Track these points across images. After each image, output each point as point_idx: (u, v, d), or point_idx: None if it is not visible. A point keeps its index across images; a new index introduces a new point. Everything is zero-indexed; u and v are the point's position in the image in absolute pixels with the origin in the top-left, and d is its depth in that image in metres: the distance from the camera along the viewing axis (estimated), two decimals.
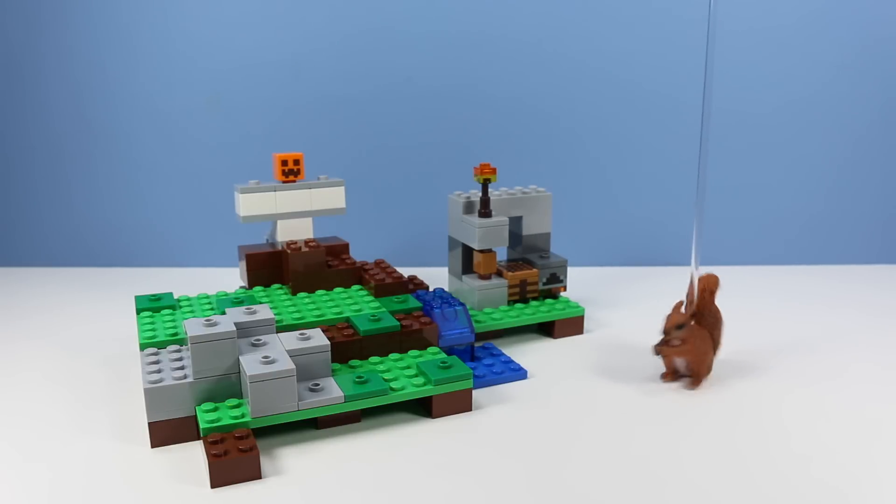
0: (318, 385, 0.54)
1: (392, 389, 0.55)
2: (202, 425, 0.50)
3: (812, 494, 0.46)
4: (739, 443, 0.52)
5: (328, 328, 0.62)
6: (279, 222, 0.74)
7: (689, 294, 0.62)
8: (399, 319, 0.62)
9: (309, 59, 0.92)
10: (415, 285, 0.76)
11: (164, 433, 0.52)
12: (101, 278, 0.93)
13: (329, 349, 0.55)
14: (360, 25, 0.91)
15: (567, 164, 0.94)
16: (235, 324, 0.55)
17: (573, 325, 0.73)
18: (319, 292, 0.70)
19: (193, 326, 0.53)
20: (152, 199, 0.96)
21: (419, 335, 0.62)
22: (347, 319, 0.64)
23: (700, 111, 0.91)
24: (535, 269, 0.75)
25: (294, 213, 0.74)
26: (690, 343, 0.60)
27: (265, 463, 0.50)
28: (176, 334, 0.62)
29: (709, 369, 0.62)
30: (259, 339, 0.55)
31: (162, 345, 0.60)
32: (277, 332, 0.59)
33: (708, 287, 0.63)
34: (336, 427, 0.55)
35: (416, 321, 0.63)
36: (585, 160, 0.94)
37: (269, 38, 0.91)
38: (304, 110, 0.93)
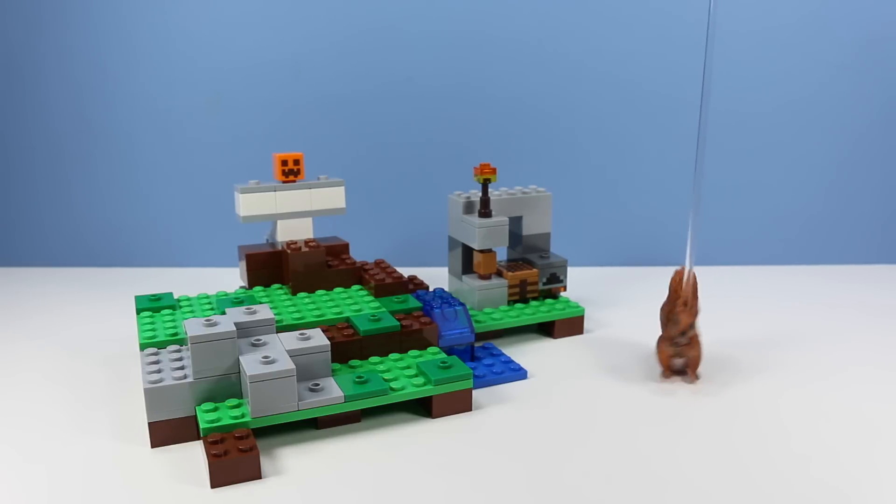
0: (318, 385, 0.54)
1: (392, 389, 0.55)
2: (202, 425, 0.50)
3: (812, 494, 0.46)
4: (739, 442, 0.52)
5: (328, 328, 0.62)
6: (279, 222, 0.74)
7: (685, 291, 0.62)
8: (399, 319, 0.62)
9: (309, 59, 0.92)
10: (415, 285, 0.76)
11: (164, 433, 0.52)
12: (101, 278, 0.93)
13: (329, 349, 0.55)
14: (360, 25, 0.91)
15: (567, 164, 0.94)
16: (235, 324, 0.55)
17: (573, 325, 0.73)
18: (319, 292, 0.70)
19: (193, 326, 0.53)
20: (152, 199, 0.96)
21: (419, 335, 0.62)
22: (347, 319, 0.64)
23: (699, 111, 0.92)
24: (535, 269, 0.75)
25: (294, 213, 0.74)
26: (695, 339, 0.61)
27: (265, 463, 0.50)
28: (176, 334, 0.62)
29: None
30: (259, 339, 0.55)
31: (162, 345, 0.60)
32: (277, 332, 0.59)
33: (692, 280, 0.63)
34: (336, 427, 0.55)
35: (416, 321, 0.63)
36: (585, 160, 0.94)
37: (269, 38, 0.91)
38: (304, 110, 0.93)
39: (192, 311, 0.67)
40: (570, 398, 0.60)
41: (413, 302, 0.67)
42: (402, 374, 0.58)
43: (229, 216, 0.78)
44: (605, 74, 0.92)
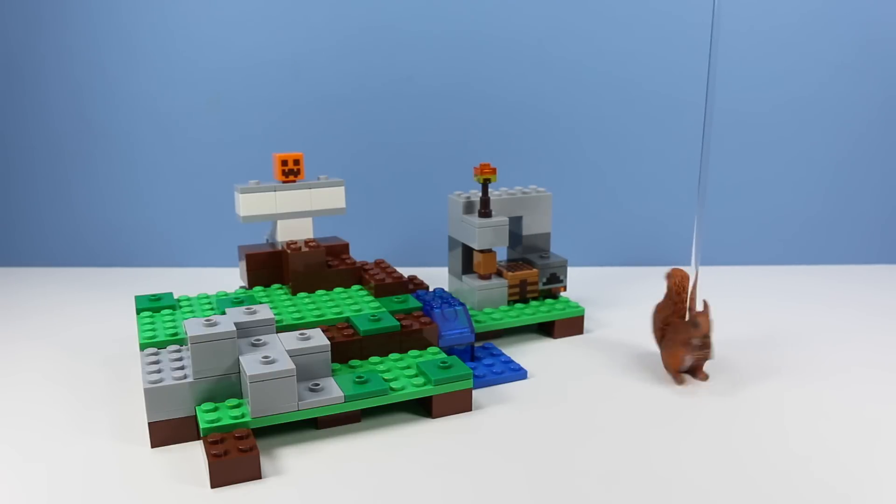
0: (318, 385, 0.54)
1: (392, 389, 0.55)
2: (202, 425, 0.50)
3: (812, 494, 0.46)
4: (740, 442, 0.52)
5: (328, 328, 0.62)
6: (279, 222, 0.74)
7: (692, 293, 0.62)
8: (399, 319, 0.62)
9: (309, 59, 0.92)
10: (415, 285, 0.76)
11: (164, 433, 0.52)
12: (101, 278, 0.93)
13: (329, 349, 0.55)
14: (360, 25, 0.91)
15: (567, 165, 0.94)
16: (235, 324, 0.55)
17: (573, 325, 0.73)
18: (319, 292, 0.70)
19: (193, 326, 0.53)
20: (152, 199, 0.96)
21: (419, 335, 0.62)
22: (347, 319, 0.64)
23: (699, 111, 0.92)
24: (535, 269, 0.75)
25: (294, 213, 0.74)
26: (709, 339, 0.61)
27: (265, 463, 0.50)
28: (176, 334, 0.62)
29: None
30: (259, 339, 0.55)
31: (162, 345, 0.60)
32: (277, 332, 0.59)
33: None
34: (336, 427, 0.55)
35: (416, 321, 0.63)
36: (585, 160, 0.94)
37: (269, 38, 0.91)
38: (304, 110, 0.93)
39: (192, 311, 0.67)
40: (570, 398, 0.60)
41: (413, 302, 0.67)
42: (402, 374, 0.58)
43: (229, 216, 0.78)
44: (605, 74, 0.92)
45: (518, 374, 0.63)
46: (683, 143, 0.93)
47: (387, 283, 0.69)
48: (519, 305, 0.73)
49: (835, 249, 0.96)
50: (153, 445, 0.52)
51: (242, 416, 0.51)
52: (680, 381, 0.62)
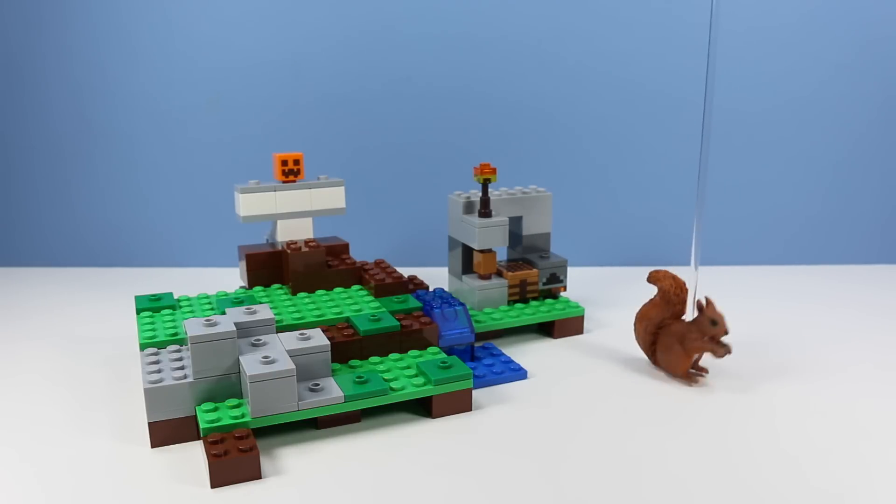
0: (318, 385, 0.54)
1: (392, 389, 0.55)
2: (202, 425, 0.50)
3: (811, 494, 0.46)
4: (739, 443, 0.52)
5: (328, 328, 0.62)
6: (279, 222, 0.74)
7: (687, 294, 0.62)
8: (399, 319, 0.62)
9: (309, 59, 0.92)
10: (415, 285, 0.76)
11: (164, 433, 0.52)
12: (101, 278, 0.93)
13: (329, 349, 0.55)
14: (359, 26, 0.91)
15: (567, 165, 0.94)
16: (235, 324, 0.55)
17: (573, 325, 0.73)
18: (319, 292, 0.70)
19: (193, 326, 0.53)
20: (152, 199, 0.96)
21: (419, 335, 0.62)
22: (347, 319, 0.64)
23: (699, 110, 0.92)
24: (535, 269, 0.75)
25: (294, 213, 0.74)
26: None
27: (265, 463, 0.50)
28: (176, 334, 0.62)
29: None
30: (259, 339, 0.55)
31: (162, 345, 0.60)
32: (277, 332, 0.59)
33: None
34: (336, 427, 0.55)
35: (416, 321, 0.63)
36: (585, 160, 0.94)
37: (269, 38, 0.91)
38: (304, 110, 0.93)
39: (192, 311, 0.67)
40: (570, 398, 0.60)
41: (413, 302, 0.67)
42: (402, 374, 0.58)
43: (229, 216, 0.78)
44: (605, 74, 0.92)
45: (518, 374, 0.63)
46: (683, 142, 0.93)
47: (387, 283, 0.69)
48: (519, 305, 0.73)
49: (835, 249, 0.96)
50: (153, 445, 0.52)
51: (242, 416, 0.51)
52: (693, 380, 0.62)
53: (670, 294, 0.62)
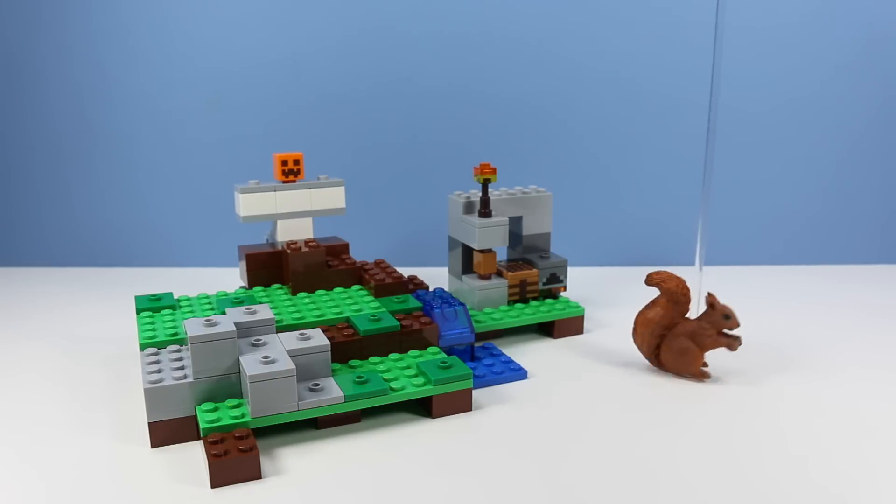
0: (318, 385, 0.54)
1: (392, 389, 0.55)
2: (202, 425, 0.50)
3: (809, 494, 0.46)
4: (739, 443, 0.52)
5: (328, 328, 0.62)
6: (279, 222, 0.74)
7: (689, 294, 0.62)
8: (399, 319, 0.62)
9: (309, 59, 0.92)
10: (415, 285, 0.76)
11: (164, 433, 0.52)
12: (101, 278, 0.93)
13: (329, 349, 0.55)
14: (359, 25, 0.91)
15: (567, 164, 0.94)
16: (235, 324, 0.55)
17: (573, 325, 0.73)
18: (319, 292, 0.70)
19: (193, 326, 0.53)
20: (152, 199, 0.96)
21: (419, 335, 0.62)
22: (347, 319, 0.64)
23: (698, 110, 0.92)
24: (535, 269, 0.75)
25: (294, 213, 0.74)
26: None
27: (265, 463, 0.50)
28: (176, 334, 0.62)
29: None
30: (259, 339, 0.55)
31: (162, 345, 0.60)
32: (277, 332, 0.59)
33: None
34: (336, 427, 0.55)
35: (416, 321, 0.63)
36: (585, 160, 0.94)
37: (269, 38, 0.91)
38: (304, 110, 0.93)
39: (192, 311, 0.67)
40: (570, 398, 0.60)
41: (413, 302, 0.67)
42: (402, 374, 0.58)
43: (229, 216, 0.78)
44: (605, 74, 0.92)
45: (518, 374, 0.63)
46: (683, 142, 0.93)
47: (387, 283, 0.69)
48: (519, 305, 0.73)
49: (835, 249, 0.96)
50: (153, 445, 0.52)
51: (242, 416, 0.51)
52: (706, 375, 0.62)
53: (678, 294, 0.62)
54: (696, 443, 0.52)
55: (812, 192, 0.95)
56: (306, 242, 0.72)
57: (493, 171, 0.72)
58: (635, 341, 0.64)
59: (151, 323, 0.64)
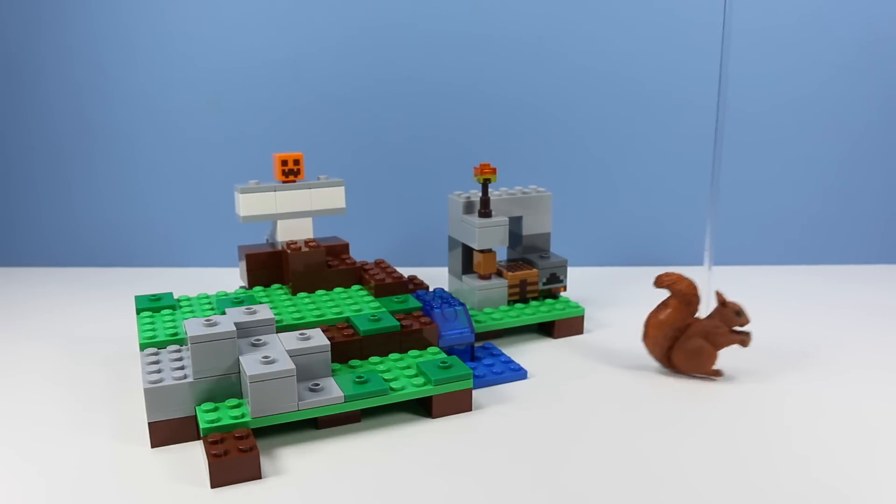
0: (318, 385, 0.54)
1: (392, 389, 0.55)
2: (202, 425, 0.50)
3: (811, 494, 0.46)
4: (740, 443, 0.52)
5: (328, 328, 0.62)
6: (279, 222, 0.74)
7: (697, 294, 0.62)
8: (399, 319, 0.62)
9: (309, 59, 0.92)
10: (415, 285, 0.76)
11: (164, 433, 0.52)
12: (101, 278, 0.93)
13: (329, 349, 0.55)
14: (359, 25, 0.91)
15: (567, 164, 0.94)
16: (235, 324, 0.55)
17: (573, 325, 0.73)
18: (319, 292, 0.70)
19: (193, 326, 0.53)
20: (152, 199, 0.96)
21: (419, 335, 0.62)
22: (347, 319, 0.64)
23: (699, 110, 0.92)
24: (535, 269, 0.75)
25: (294, 213, 0.74)
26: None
27: (265, 463, 0.50)
28: (176, 334, 0.62)
29: None
30: (259, 339, 0.55)
31: (162, 345, 0.60)
32: (277, 332, 0.59)
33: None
34: (336, 427, 0.55)
35: (416, 321, 0.63)
36: (585, 160, 0.94)
37: (269, 38, 0.91)
38: (304, 110, 0.93)
39: (192, 311, 0.67)
40: (570, 398, 0.60)
41: (413, 302, 0.67)
42: (402, 374, 0.58)
43: (229, 216, 0.78)
44: (605, 74, 0.92)
45: (518, 374, 0.63)
46: (683, 142, 0.93)
47: (387, 283, 0.69)
48: (519, 305, 0.73)
49: (835, 249, 0.96)
50: (153, 445, 0.52)
51: (242, 416, 0.51)
52: (719, 373, 0.62)
53: (689, 295, 0.62)
54: (696, 443, 0.52)
55: (812, 192, 0.95)
56: (306, 242, 0.72)
57: (493, 171, 0.72)
58: (646, 345, 0.64)
59: (151, 323, 0.64)
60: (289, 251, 0.70)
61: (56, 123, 0.94)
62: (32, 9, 0.90)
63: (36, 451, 0.52)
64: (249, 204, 0.72)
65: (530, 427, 0.55)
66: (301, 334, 0.56)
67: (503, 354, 0.67)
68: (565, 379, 0.63)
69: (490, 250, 0.73)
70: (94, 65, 0.92)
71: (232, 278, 0.88)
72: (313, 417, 0.54)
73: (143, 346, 0.60)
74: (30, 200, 0.96)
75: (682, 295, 0.62)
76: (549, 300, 0.75)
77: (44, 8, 0.90)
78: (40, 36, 0.91)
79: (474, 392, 0.59)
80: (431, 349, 0.62)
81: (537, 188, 0.79)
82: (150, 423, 0.52)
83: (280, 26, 0.91)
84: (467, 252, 0.76)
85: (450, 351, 0.64)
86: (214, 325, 0.53)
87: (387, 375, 0.57)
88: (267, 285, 0.73)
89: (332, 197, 0.76)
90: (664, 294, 0.64)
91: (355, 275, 0.72)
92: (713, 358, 0.62)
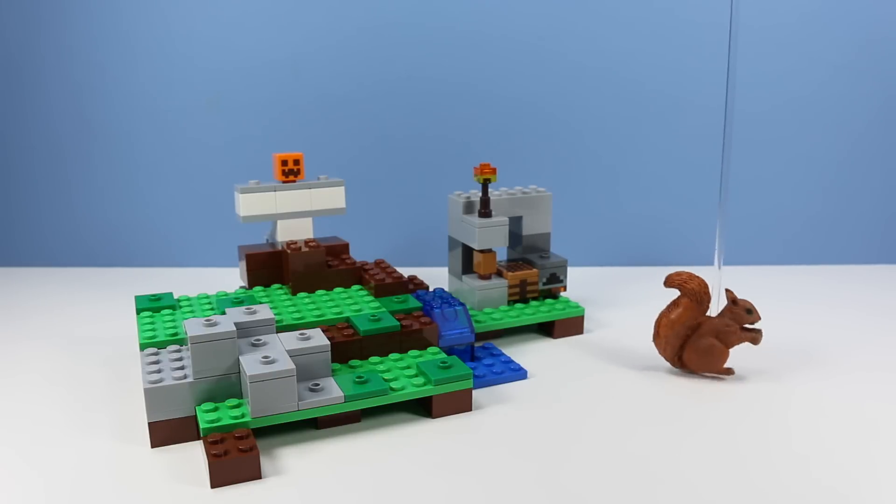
0: (318, 385, 0.54)
1: (392, 389, 0.55)
2: (202, 425, 0.50)
3: (811, 494, 0.46)
4: (740, 443, 0.52)
5: (328, 328, 0.62)
6: (279, 222, 0.74)
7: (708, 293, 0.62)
8: (399, 319, 0.62)
9: (309, 59, 0.92)
10: (415, 285, 0.76)
11: (164, 433, 0.52)
12: (101, 278, 0.93)
13: (329, 349, 0.55)
14: (359, 25, 0.91)
15: (567, 164, 0.94)
16: (235, 324, 0.55)
17: (573, 325, 0.73)
18: (319, 292, 0.70)
19: (193, 326, 0.53)
20: (152, 199, 0.96)
21: (419, 335, 0.62)
22: (347, 319, 0.64)
23: (699, 110, 0.92)
24: (535, 269, 0.75)
25: (294, 213, 0.74)
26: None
27: (265, 463, 0.50)
28: (176, 334, 0.62)
29: None
30: (259, 339, 0.55)
31: (162, 345, 0.60)
32: (277, 332, 0.59)
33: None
34: (336, 427, 0.55)
35: (416, 321, 0.63)
36: (585, 160, 0.94)
37: (269, 38, 0.91)
38: (304, 110, 0.93)
39: (192, 311, 0.67)
40: (570, 398, 0.60)
41: (413, 302, 0.67)
42: (402, 374, 0.58)
43: (229, 216, 0.78)
44: (605, 73, 0.92)
45: (518, 374, 0.63)
46: (683, 142, 0.93)
47: (387, 283, 0.69)
48: (519, 305, 0.73)
49: (835, 249, 0.96)
50: (153, 445, 0.52)
51: (242, 416, 0.51)
52: (730, 371, 0.62)
53: (700, 294, 0.62)
54: (696, 442, 0.52)
55: (812, 192, 0.95)
56: (306, 242, 0.72)
57: (493, 171, 0.72)
58: (657, 345, 0.64)
59: (151, 323, 0.64)
60: (289, 251, 0.70)
61: (56, 123, 0.94)
62: (32, 9, 0.91)
63: (36, 451, 0.52)
64: (249, 204, 0.72)
65: (530, 427, 0.55)
66: (301, 334, 0.56)
67: (503, 354, 0.67)
68: (565, 379, 0.63)
69: (490, 250, 0.73)
70: (94, 65, 0.92)
71: (232, 278, 0.88)
72: (313, 417, 0.54)
73: (143, 346, 0.60)
74: (30, 200, 0.96)
75: (694, 294, 0.62)
76: (549, 300, 0.75)
77: (44, 8, 0.90)
78: (40, 36, 0.91)
79: (474, 392, 0.59)
80: (431, 349, 0.62)
81: (537, 188, 0.79)
82: (150, 423, 0.52)
83: (280, 26, 0.91)
84: (467, 252, 0.76)
85: (450, 351, 0.64)
86: (214, 325, 0.53)
87: (387, 375, 0.57)
88: (267, 285, 0.73)
89: (332, 197, 0.76)
90: (664, 294, 0.64)
91: (355, 275, 0.72)
92: (725, 356, 0.62)
